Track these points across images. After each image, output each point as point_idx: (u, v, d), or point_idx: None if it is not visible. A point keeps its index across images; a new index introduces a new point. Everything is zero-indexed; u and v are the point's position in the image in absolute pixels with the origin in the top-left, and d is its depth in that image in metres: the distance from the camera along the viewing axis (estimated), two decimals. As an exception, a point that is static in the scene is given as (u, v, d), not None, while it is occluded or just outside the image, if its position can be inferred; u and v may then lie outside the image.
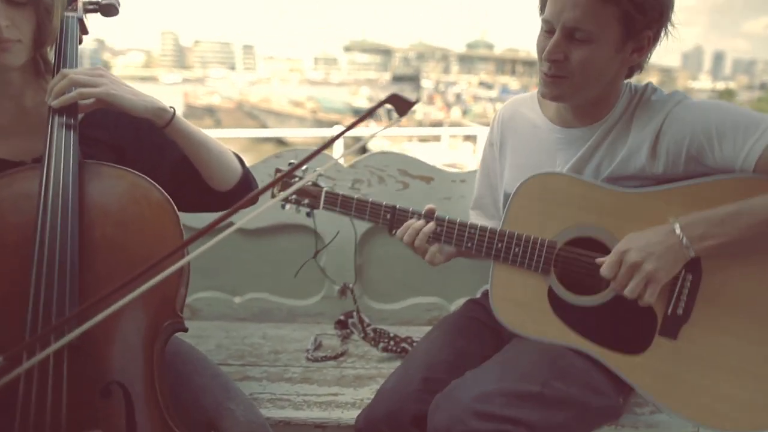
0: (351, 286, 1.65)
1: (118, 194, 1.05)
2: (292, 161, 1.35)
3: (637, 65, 1.13)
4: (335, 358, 1.57)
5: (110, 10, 1.27)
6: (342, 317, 1.74)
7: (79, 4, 1.19)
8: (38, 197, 0.96)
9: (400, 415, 1.09)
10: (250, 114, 34.75)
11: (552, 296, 1.15)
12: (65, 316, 0.90)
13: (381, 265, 1.81)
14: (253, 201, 1.23)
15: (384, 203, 1.25)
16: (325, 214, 1.66)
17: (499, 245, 1.16)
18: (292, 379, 1.46)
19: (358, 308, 1.66)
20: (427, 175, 1.72)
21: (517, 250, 1.15)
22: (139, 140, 1.17)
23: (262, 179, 1.35)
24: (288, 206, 1.33)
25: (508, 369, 1.10)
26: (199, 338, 1.71)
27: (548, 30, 1.07)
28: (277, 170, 1.35)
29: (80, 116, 1.15)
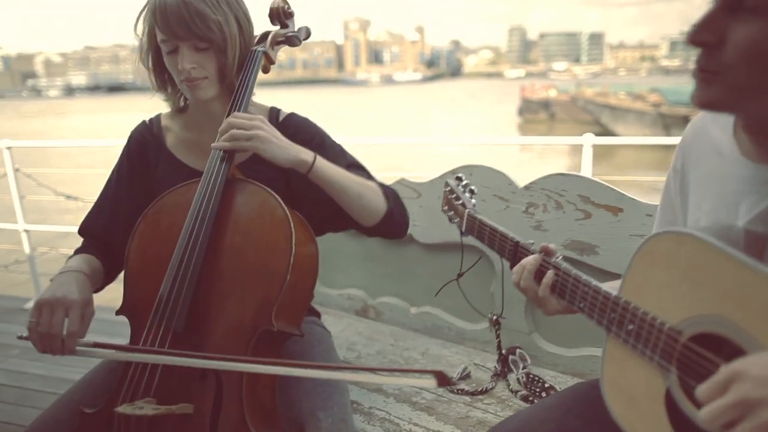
0: (496, 317, 1.45)
1: (250, 208, 1.22)
2: (459, 175, 1.31)
3: None
4: (472, 394, 1.46)
5: (294, 41, 1.44)
6: (504, 351, 1.60)
7: (268, 39, 1.38)
8: (192, 205, 1.20)
9: None
10: (584, 108, 33.44)
11: (670, 402, 0.83)
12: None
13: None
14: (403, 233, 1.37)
15: (510, 236, 1.10)
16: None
17: (612, 315, 0.89)
18: (417, 404, 1.42)
19: (499, 343, 1.48)
20: (615, 205, 1.42)
21: (630, 327, 0.86)
22: (287, 178, 1.31)
23: (439, 194, 1.36)
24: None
25: None
26: (370, 339, 1.82)
27: None
28: (446, 183, 1.33)
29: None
